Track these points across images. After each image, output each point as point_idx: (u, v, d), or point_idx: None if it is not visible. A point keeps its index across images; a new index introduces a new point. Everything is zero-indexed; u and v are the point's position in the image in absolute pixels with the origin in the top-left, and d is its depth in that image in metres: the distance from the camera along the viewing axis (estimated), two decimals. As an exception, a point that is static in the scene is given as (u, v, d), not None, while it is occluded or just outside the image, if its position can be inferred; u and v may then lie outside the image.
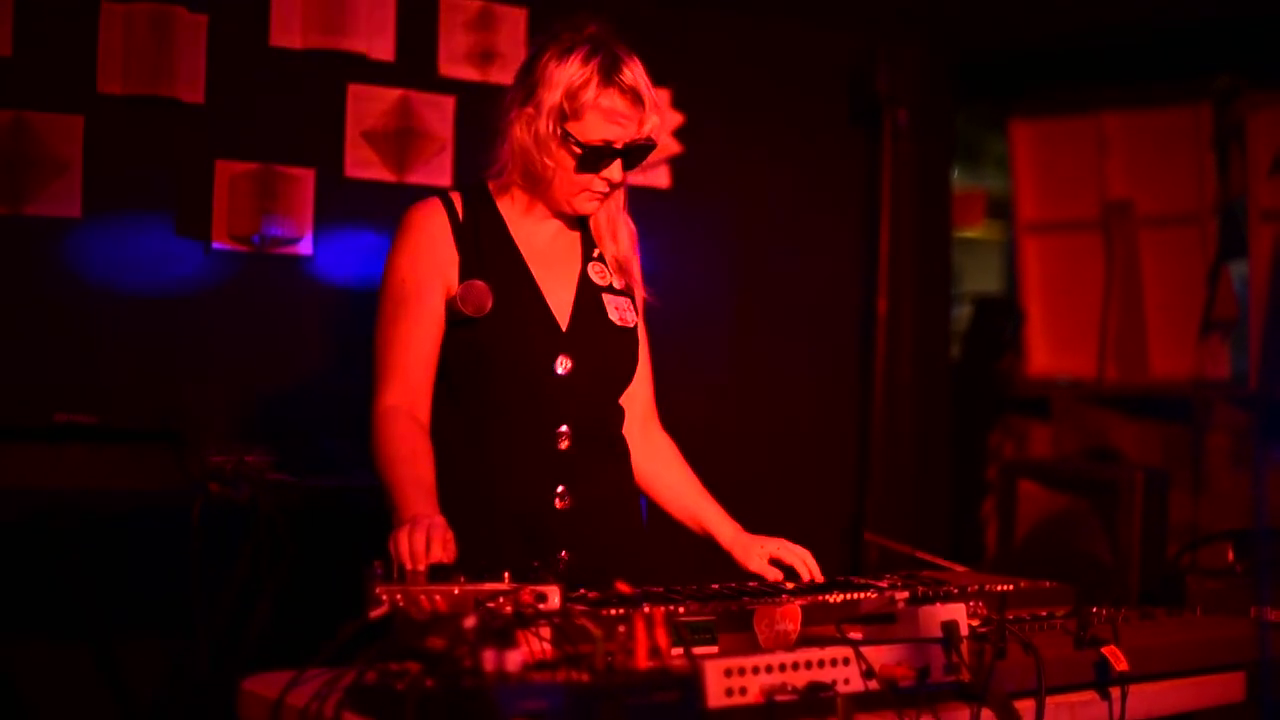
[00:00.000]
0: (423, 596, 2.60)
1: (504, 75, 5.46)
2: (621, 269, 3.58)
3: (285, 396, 5.14)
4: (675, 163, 5.84)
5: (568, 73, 3.33)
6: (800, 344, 6.40)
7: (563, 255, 3.55)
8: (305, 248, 5.16)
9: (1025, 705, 2.61)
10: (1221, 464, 7.23)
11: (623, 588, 2.74)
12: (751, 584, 3.31)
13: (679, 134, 5.83)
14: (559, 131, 3.33)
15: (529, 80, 3.40)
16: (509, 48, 5.51)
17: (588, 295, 3.51)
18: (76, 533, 4.64)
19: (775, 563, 3.48)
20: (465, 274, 3.40)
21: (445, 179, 5.37)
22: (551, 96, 3.33)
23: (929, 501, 6.80)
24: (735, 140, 6.12)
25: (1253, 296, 7.20)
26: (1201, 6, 6.63)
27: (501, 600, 2.57)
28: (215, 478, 4.25)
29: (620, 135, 3.34)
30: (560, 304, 3.46)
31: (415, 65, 5.39)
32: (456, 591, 2.62)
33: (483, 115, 5.43)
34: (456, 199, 3.49)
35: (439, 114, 5.39)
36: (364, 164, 5.27)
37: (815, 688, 2.37)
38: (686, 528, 3.68)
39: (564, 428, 3.40)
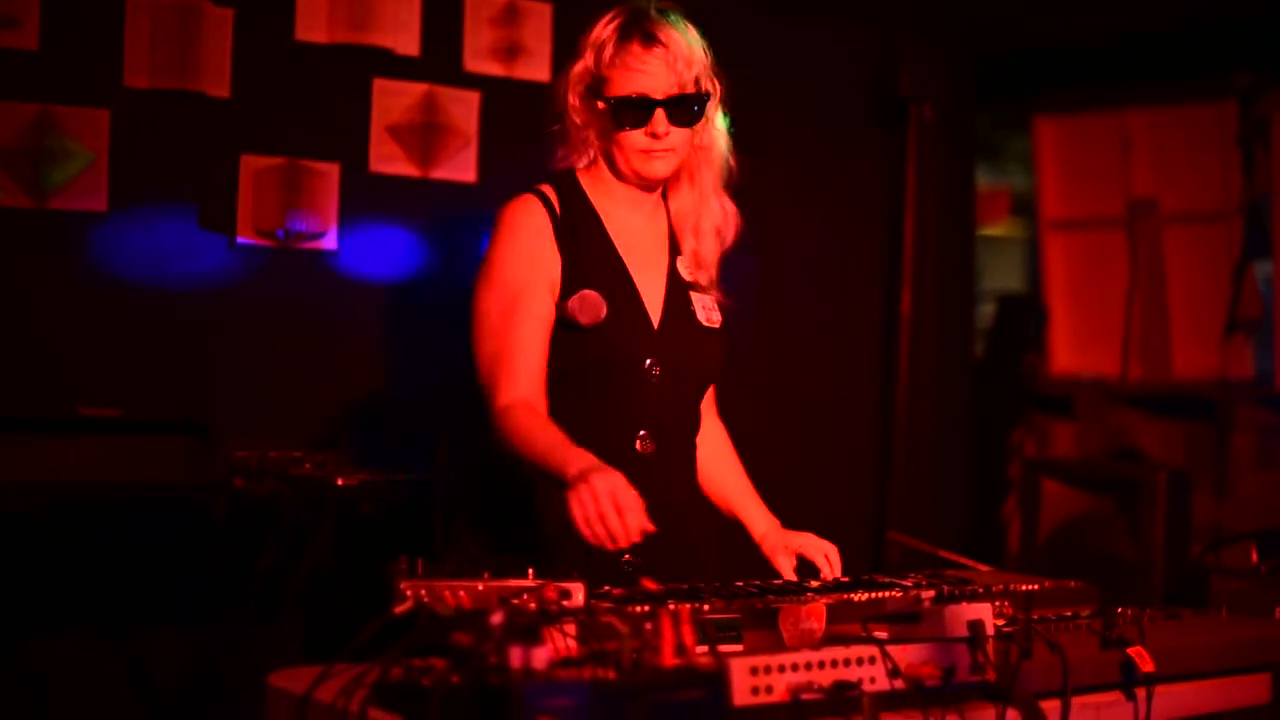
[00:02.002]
0: (447, 592, 2.60)
1: (530, 70, 5.48)
2: (700, 265, 3.53)
3: (310, 391, 5.14)
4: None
5: (593, 36, 3.36)
6: (824, 342, 6.39)
7: (653, 247, 3.52)
8: (330, 242, 5.17)
9: (1051, 705, 2.60)
10: (1245, 464, 7.22)
11: (649, 584, 2.74)
12: (776, 582, 3.31)
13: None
14: (590, 95, 3.37)
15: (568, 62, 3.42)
16: (534, 43, 5.51)
17: (677, 293, 3.49)
18: (101, 526, 4.65)
19: (803, 559, 3.48)
20: (567, 273, 3.36)
21: (470, 175, 5.37)
22: (580, 63, 3.37)
23: (951, 500, 6.79)
24: (759, 139, 6.10)
25: (1277, 296, 7.18)
26: (1226, 4, 6.62)
27: (526, 597, 2.56)
28: (239, 472, 4.26)
29: (653, 86, 3.30)
30: (652, 301, 3.44)
31: (440, 60, 5.39)
32: (481, 588, 2.61)
33: (508, 110, 5.49)
34: (551, 194, 3.43)
35: (464, 109, 5.39)
36: (389, 159, 5.28)
37: (841, 686, 2.36)
38: (726, 514, 3.67)
39: (643, 431, 3.38)
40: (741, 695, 2.28)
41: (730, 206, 3.57)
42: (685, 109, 3.35)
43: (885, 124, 6.51)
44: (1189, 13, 6.75)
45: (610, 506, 2.90)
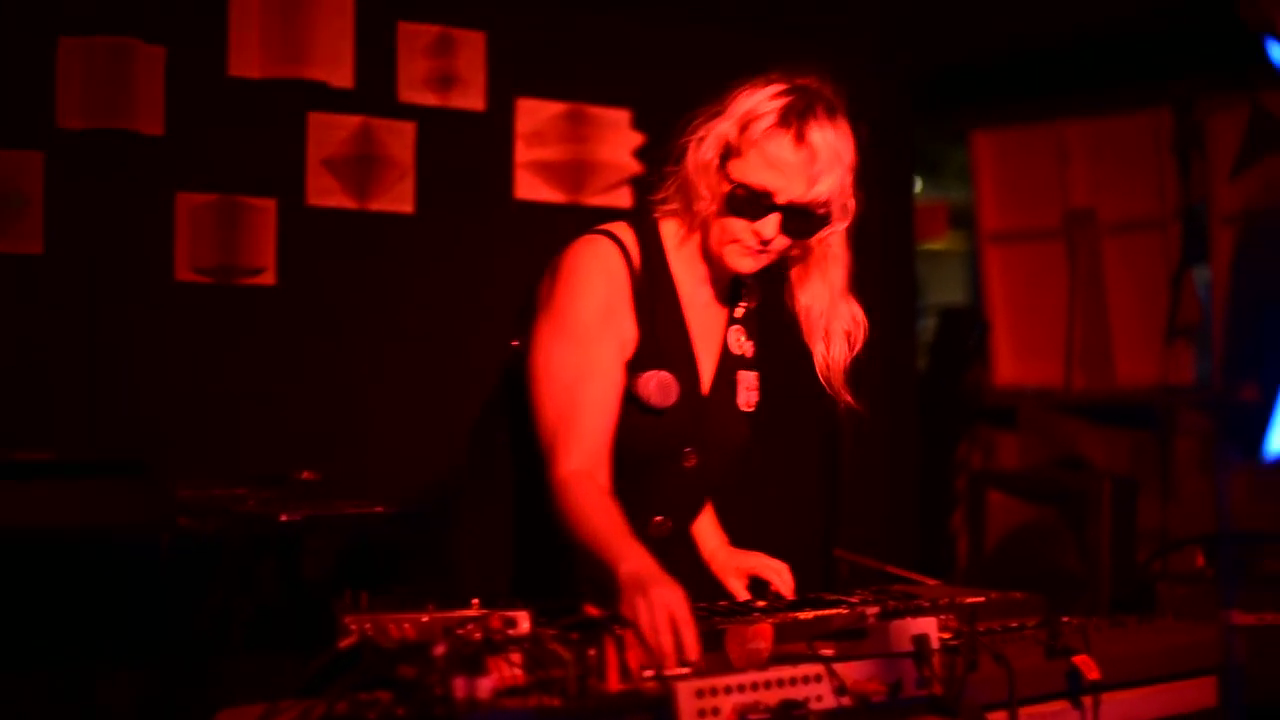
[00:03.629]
0: (392, 625, 2.59)
1: (464, 100, 5.48)
2: (828, 371, 3.33)
3: (253, 428, 5.13)
4: (636, 183, 5.84)
5: (751, 102, 3.08)
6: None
7: (714, 317, 3.31)
8: (269, 278, 5.15)
9: (998, 717, 2.61)
10: (1190, 469, 7.25)
11: (591, 611, 2.73)
12: (722, 603, 3.30)
13: (640, 154, 5.83)
14: (718, 163, 3.08)
15: (717, 105, 3.14)
16: (469, 72, 5.51)
17: (726, 370, 3.31)
18: (43, 569, 4.61)
19: (754, 579, 3.48)
20: (643, 340, 3.11)
21: (408, 206, 5.36)
22: (726, 123, 3.08)
23: (899, 515, 6.80)
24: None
25: (1216, 301, 7.23)
26: (1158, 12, 6.66)
27: (470, 627, 2.56)
28: (183, 511, 4.24)
29: (783, 188, 3.04)
30: (704, 374, 3.25)
31: (375, 92, 5.39)
32: (425, 619, 2.60)
33: (444, 140, 5.49)
34: (629, 241, 3.15)
35: (400, 140, 5.39)
36: (325, 192, 5.27)
37: (788, 706, 2.36)
38: None
39: (661, 516, 3.23)
40: (689, 718, 2.28)
41: (859, 313, 3.32)
42: (802, 221, 3.09)
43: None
44: (1122, 22, 6.79)
45: (667, 624, 2.63)
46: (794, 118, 3.04)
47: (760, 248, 3.10)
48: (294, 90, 5.21)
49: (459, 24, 5.53)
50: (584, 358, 3.03)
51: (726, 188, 3.06)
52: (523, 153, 5.64)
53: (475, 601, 2.66)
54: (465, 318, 5.50)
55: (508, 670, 2.35)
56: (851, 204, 3.19)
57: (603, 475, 3.01)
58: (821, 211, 3.10)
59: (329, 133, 5.29)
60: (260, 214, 5.13)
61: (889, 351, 6.71)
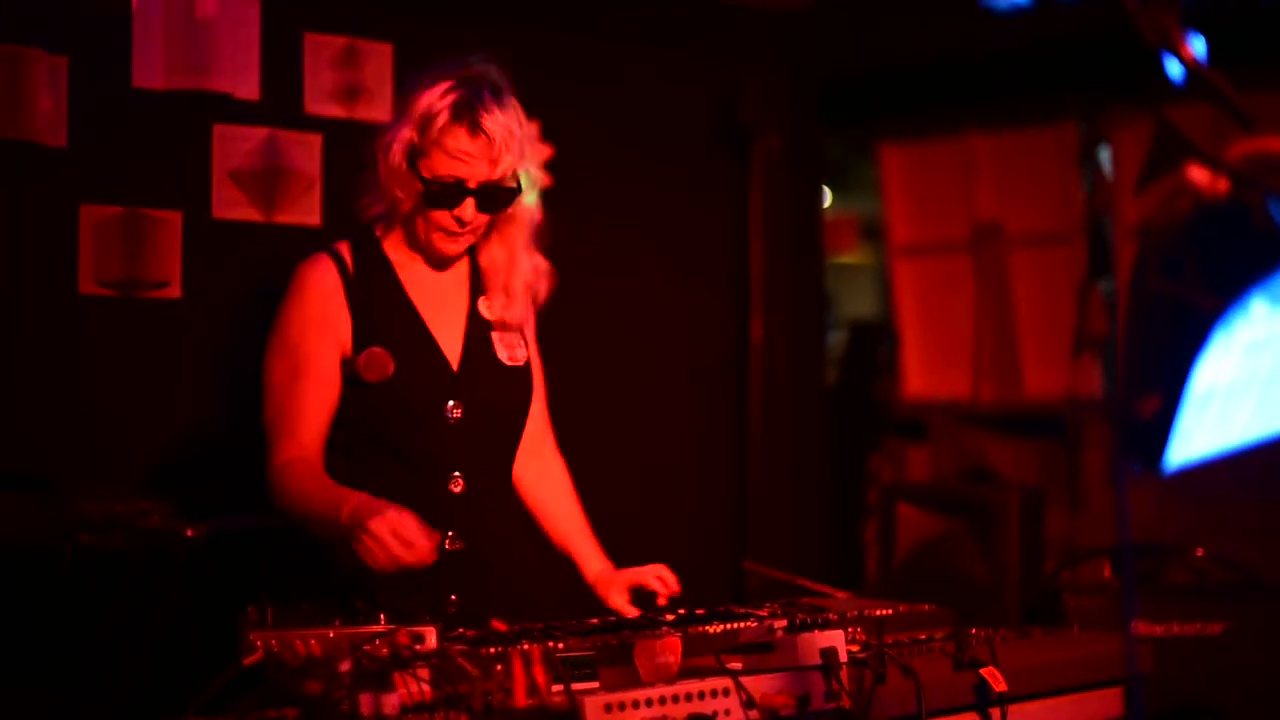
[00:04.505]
0: (298, 641, 2.57)
1: (371, 111, 5.44)
2: (511, 324, 3.57)
3: (158, 442, 5.07)
4: (544, 195, 5.82)
5: (425, 103, 3.35)
6: (675, 373, 6.39)
7: (453, 289, 3.56)
8: (174, 291, 5.10)
9: (907, 729, 2.62)
10: (1097, 481, 7.31)
11: (498, 625, 2.72)
12: (632, 617, 3.30)
13: (548, 166, 5.82)
14: (406, 165, 3.37)
15: (398, 110, 3.44)
16: (375, 84, 5.48)
17: (477, 334, 3.53)
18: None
19: (638, 589, 3.51)
20: (358, 331, 3.41)
21: (314, 218, 5.32)
22: (406, 128, 3.37)
23: (810, 527, 6.81)
24: (604, 172, 6.12)
25: (1120, 314, 7.30)
26: (1063, 27, 6.72)
27: (378, 642, 2.54)
28: (85, 526, 4.19)
29: (470, 174, 3.35)
30: (450, 345, 3.48)
31: (281, 103, 5.34)
32: (332, 635, 2.58)
33: (351, 152, 5.45)
34: (345, 252, 3.48)
35: (306, 152, 5.35)
36: (232, 204, 5.22)
37: (696, 719, 2.36)
38: (560, 552, 3.73)
39: (456, 472, 3.42)
40: (596, 733, 2.27)
41: (542, 263, 3.62)
42: (495, 199, 3.41)
43: (730, 153, 6.54)
44: (1028, 37, 6.85)
45: (396, 544, 2.97)
46: (465, 111, 3.33)
47: (461, 230, 3.41)
48: (199, 101, 5.16)
49: (366, 35, 5.50)
50: (295, 365, 3.38)
51: (419, 186, 3.36)
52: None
53: (383, 616, 2.64)
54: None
55: (415, 686, 2.34)
56: (536, 169, 3.56)
57: (317, 462, 3.36)
58: (510, 185, 3.42)
59: (235, 144, 5.23)
60: (165, 226, 5.08)
61: (798, 364, 6.73)
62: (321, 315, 3.40)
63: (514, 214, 3.52)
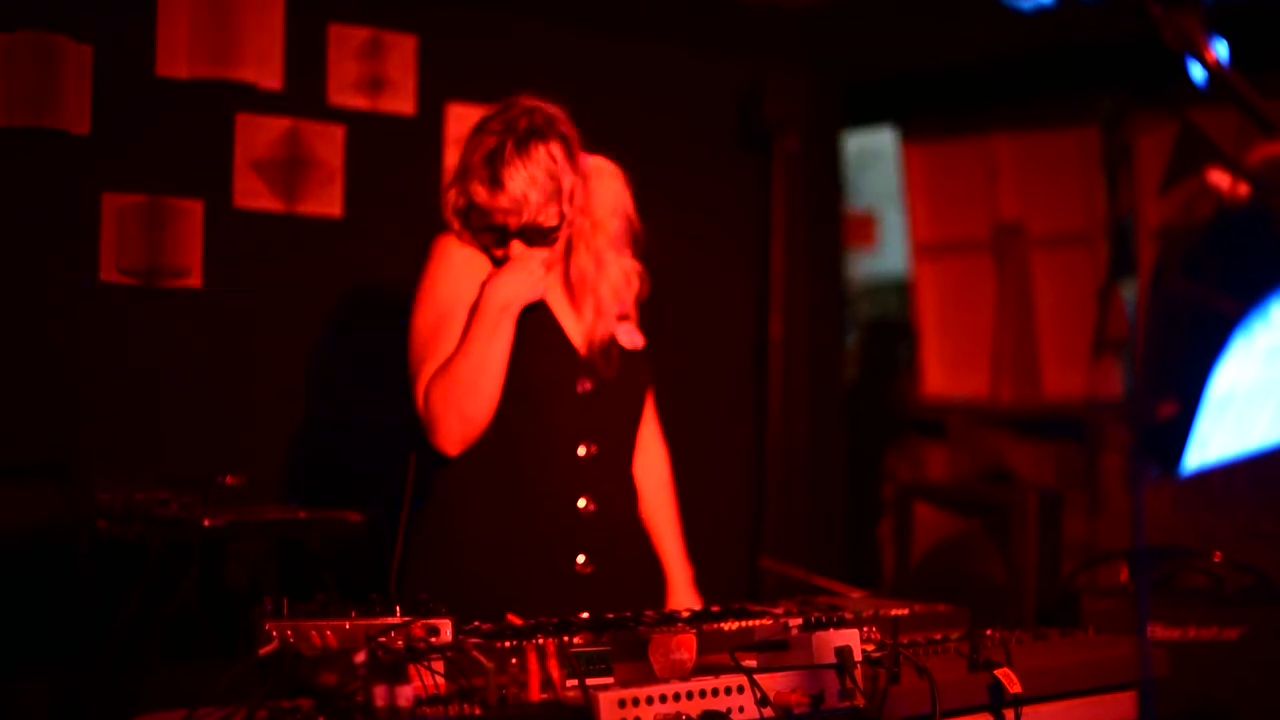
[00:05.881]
0: (313, 632, 2.57)
1: (394, 103, 5.46)
2: (599, 336, 3.68)
3: (178, 431, 5.08)
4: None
5: (466, 156, 3.55)
6: (695, 370, 6.39)
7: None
8: (194, 279, 5.11)
9: (920, 730, 2.62)
10: (1116, 483, 7.28)
11: (514, 619, 2.72)
12: (648, 613, 3.30)
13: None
14: (465, 207, 3.57)
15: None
16: (398, 75, 5.49)
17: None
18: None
19: None
20: None
21: (336, 209, 5.34)
22: (459, 177, 3.57)
23: (826, 526, 6.81)
24: (626, 166, 6.11)
25: (1140, 316, 7.27)
26: (1088, 28, 6.70)
27: (393, 634, 2.54)
28: (103, 514, 4.19)
29: (507, 222, 3.51)
30: (573, 328, 3.67)
31: (304, 94, 5.36)
32: (347, 626, 2.59)
33: (373, 143, 5.47)
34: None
35: (328, 143, 5.36)
36: (253, 194, 5.23)
37: (710, 716, 2.36)
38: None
39: (585, 439, 3.62)
40: (609, 728, 2.27)
41: (633, 265, 3.77)
42: (540, 235, 3.54)
43: (752, 151, 6.54)
44: (1052, 39, 6.83)
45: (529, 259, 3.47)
46: (486, 166, 3.50)
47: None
48: (222, 91, 5.17)
49: (390, 27, 5.51)
50: (439, 317, 3.56)
51: (477, 225, 3.56)
52: (452, 157, 5.61)
53: (399, 608, 2.65)
54: (391, 323, 5.46)
55: (430, 679, 2.34)
56: (580, 193, 3.61)
57: None
58: (549, 224, 3.54)
59: (257, 134, 5.25)
60: (187, 215, 5.09)
61: (817, 362, 6.72)
62: (466, 273, 3.56)
63: (600, 221, 3.68)
